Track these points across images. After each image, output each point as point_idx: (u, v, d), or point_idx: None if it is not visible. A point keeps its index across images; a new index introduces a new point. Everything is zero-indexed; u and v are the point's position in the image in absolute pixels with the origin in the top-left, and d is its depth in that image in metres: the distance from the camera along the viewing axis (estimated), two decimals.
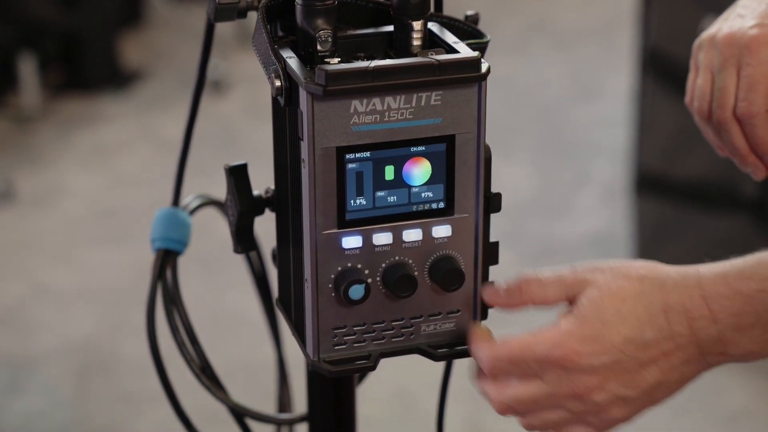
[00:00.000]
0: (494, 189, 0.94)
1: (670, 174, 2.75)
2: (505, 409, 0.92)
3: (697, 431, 2.44)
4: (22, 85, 3.68)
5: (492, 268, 0.96)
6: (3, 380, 2.60)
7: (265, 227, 1.09)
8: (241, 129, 3.62)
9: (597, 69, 4.00)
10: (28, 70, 3.66)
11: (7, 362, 2.66)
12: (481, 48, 0.95)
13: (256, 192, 1.01)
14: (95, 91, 3.86)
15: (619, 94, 3.67)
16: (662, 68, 2.70)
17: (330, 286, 0.91)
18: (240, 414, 1.10)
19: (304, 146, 0.88)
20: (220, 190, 1.07)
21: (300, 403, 1.14)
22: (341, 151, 0.88)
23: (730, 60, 1.03)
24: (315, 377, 1.04)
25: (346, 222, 0.90)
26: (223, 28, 1.00)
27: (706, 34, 1.06)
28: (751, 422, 2.46)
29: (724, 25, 1.04)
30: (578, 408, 0.90)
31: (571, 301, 0.91)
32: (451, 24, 0.98)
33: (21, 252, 3.09)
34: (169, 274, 1.10)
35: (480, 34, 0.98)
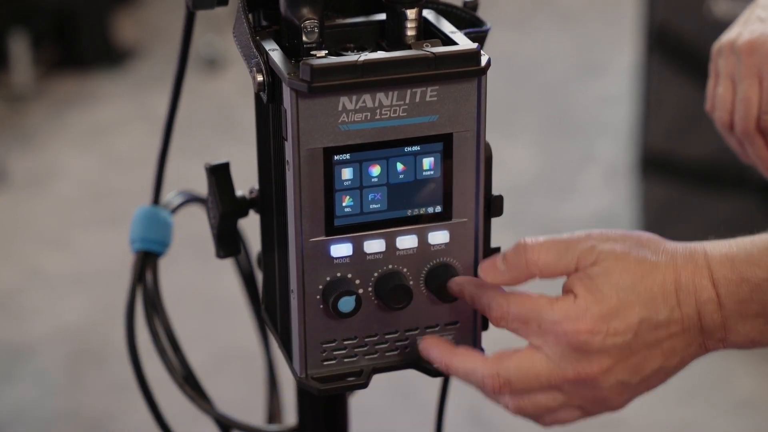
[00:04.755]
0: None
1: (676, 154, 2.72)
2: (499, 385, 0.84)
3: (703, 418, 2.40)
4: (14, 63, 3.63)
5: None
6: None
7: (255, 226, 1.03)
8: (238, 108, 3.56)
9: (601, 45, 3.93)
10: (20, 47, 3.60)
11: None
12: (481, 38, 0.89)
13: (239, 192, 0.95)
14: (89, 69, 3.80)
15: (624, 70, 3.61)
16: (669, 46, 2.65)
17: (318, 297, 0.85)
18: (226, 425, 1.04)
19: (289, 147, 0.82)
20: None
21: (291, 406, 1.08)
22: (329, 152, 0.83)
23: (751, 69, 0.98)
24: (305, 390, 0.98)
25: (335, 228, 0.84)
26: None
27: (725, 39, 1.01)
28: (758, 409, 2.42)
29: (744, 30, 0.99)
30: (576, 392, 0.84)
31: (579, 269, 0.84)
32: (448, 11, 0.91)
33: (13, 235, 3.05)
34: (149, 276, 1.05)
35: (479, 22, 0.92)
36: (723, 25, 2.83)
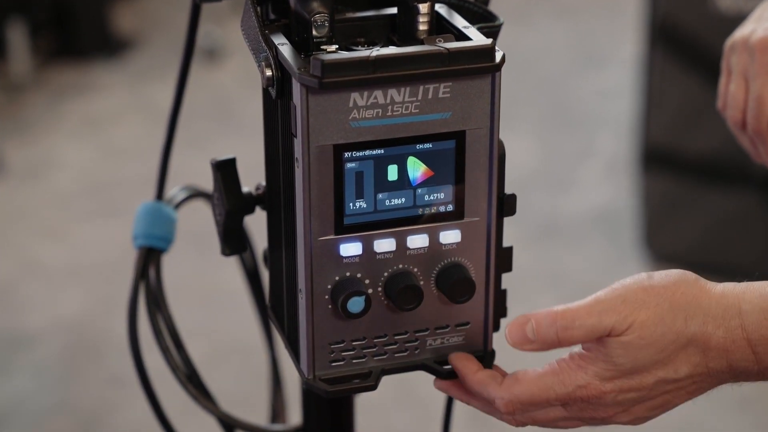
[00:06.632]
0: None
1: (678, 149, 2.70)
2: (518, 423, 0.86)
3: (706, 415, 2.38)
4: (11, 52, 3.60)
5: (505, 276, 0.88)
6: None
7: (260, 222, 1.01)
8: (237, 100, 3.53)
9: (603, 38, 3.91)
10: (18, 36, 3.58)
11: None
12: (494, 33, 0.87)
13: (245, 189, 0.93)
14: (87, 59, 3.78)
15: (625, 64, 3.59)
16: (672, 39, 2.64)
17: (326, 297, 0.83)
18: (229, 425, 1.02)
19: (298, 144, 0.80)
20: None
21: (294, 403, 1.07)
22: (339, 149, 0.81)
23: (765, 67, 0.97)
24: (311, 391, 0.96)
25: (345, 227, 0.82)
26: None
27: (739, 36, 0.99)
28: (762, 406, 2.41)
29: (758, 27, 0.97)
30: (594, 421, 0.85)
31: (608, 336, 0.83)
32: (460, 5, 0.89)
33: (10, 226, 3.03)
34: (152, 273, 1.03)
35: (492, 17, 0.90)
36: (727, 19, 2.80)
